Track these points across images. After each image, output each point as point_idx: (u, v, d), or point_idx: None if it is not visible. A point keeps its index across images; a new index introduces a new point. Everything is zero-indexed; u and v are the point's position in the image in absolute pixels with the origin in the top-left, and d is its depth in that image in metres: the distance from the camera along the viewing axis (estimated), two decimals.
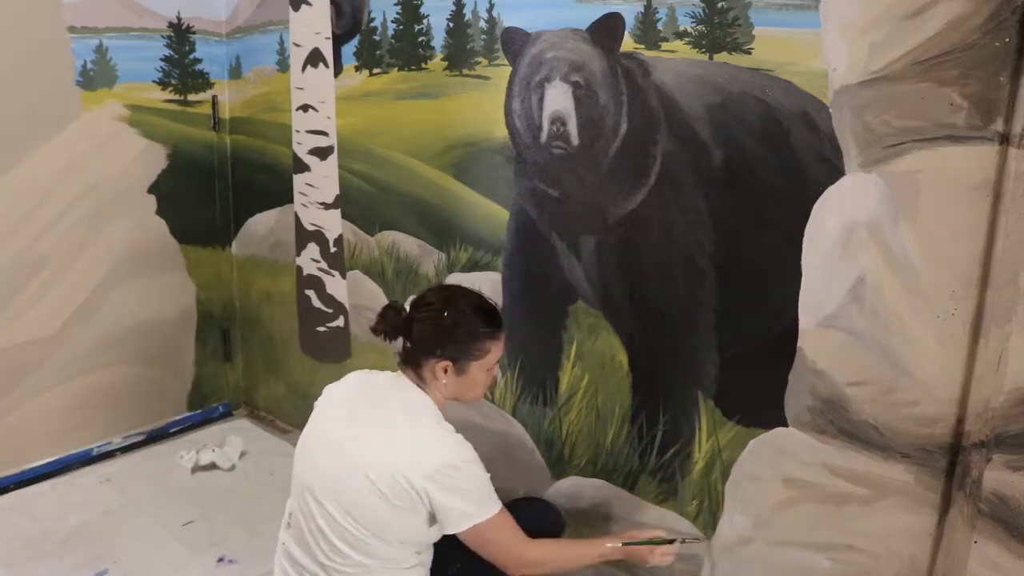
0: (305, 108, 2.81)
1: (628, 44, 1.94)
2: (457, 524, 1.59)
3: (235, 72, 3.10)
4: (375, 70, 2.58)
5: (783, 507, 1.84)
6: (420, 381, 1.69)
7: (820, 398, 1.73)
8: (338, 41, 2.66)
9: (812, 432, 1.77)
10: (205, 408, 3.33)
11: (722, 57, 1.80)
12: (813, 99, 1.66)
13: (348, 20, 2.62)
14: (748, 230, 1.83)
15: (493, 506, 1.61)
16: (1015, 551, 1.47)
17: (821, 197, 1.67)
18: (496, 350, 1.72)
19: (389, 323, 1.68)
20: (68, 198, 2.76)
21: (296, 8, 2.75)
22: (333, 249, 2.86)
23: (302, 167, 2.89)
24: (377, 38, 2.55)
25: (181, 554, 2.43)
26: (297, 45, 2.79)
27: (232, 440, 3.02)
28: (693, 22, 1.83)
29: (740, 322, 1.90)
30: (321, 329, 2.99)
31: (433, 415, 1.67)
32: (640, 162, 1.97)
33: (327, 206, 2.83)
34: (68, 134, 2.73)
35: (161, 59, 2.95)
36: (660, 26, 1.88)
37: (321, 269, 2.92)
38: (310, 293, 2.99)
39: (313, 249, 2.93)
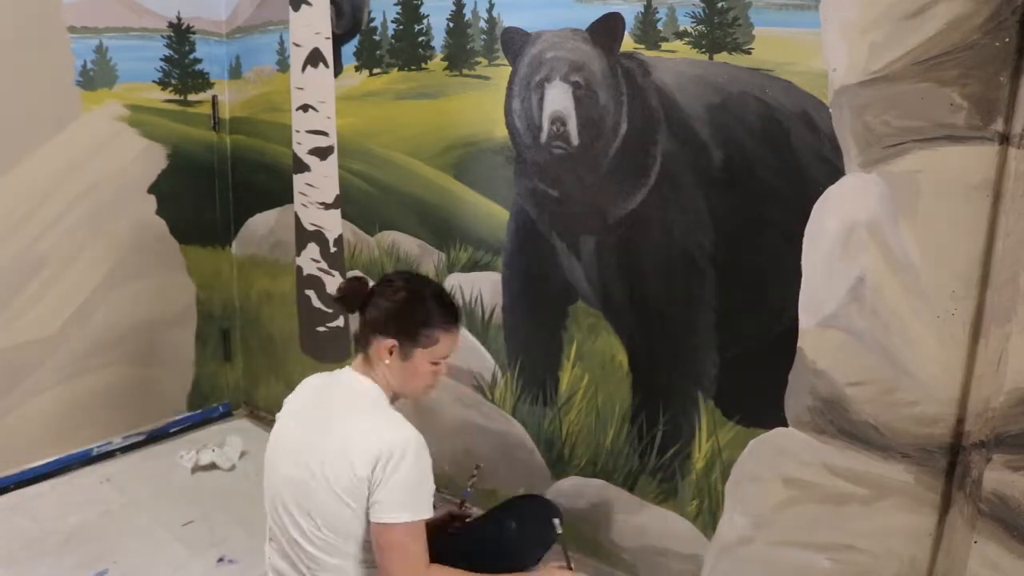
0: (305, 108, 2.81)
1: (628, 44, 1.94)
2: (377, 511, 1.52)
3: (235, 72, 3.11)
4: (375, 70, 2.58)
5: (783, 507, 1.84)
6: (368, 367, 1.66)
7: (820, 398, 1.73)
8: (338, 41, 2.66)
9: (812, 432, 1.77)
10: (205, 408, 3.33)
11: (722, 57, 1.80)
12: (813, 99, 1.66)
13: (348, 20, 2.62)
14: (748, 230, 1.83)
15: (417, 511, 1.54)
16: (1015, 551, 1.47)
17: (821, 197, 1.67)
18: (445, 343, 1.67)
19: (352, 292, 1.68)
20: (68, 198, 2.76)
21: (296, 8, 2.75)
22: (333, 249, 2.86)
23: (302, 167, 2.89)
24: (377, 38, 2.55)
25: (181, 554, 2.43)
26: (297, 45, 2.78)
27: (232, 440, 3.02)
28: (693, 22, 1.83)
29: (740, 322, 1.90)
30: (321, 329, 2.99)
31: (374, 400, 1.63)
32: (640, 162, 1.97)
33: (327, 206, 2.83)
34: (68, 134, 2.73)
35: (161, 59, 2.95)
36: (660, 26, 1.88)
37: (321, 269, 2.92)
38: (310, 293, 2.99)
39: (313, 249, 2.93)
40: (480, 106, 2.29)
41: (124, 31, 2.83)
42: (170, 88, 2.99)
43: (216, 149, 3.16)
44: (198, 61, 3.05)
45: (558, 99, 2.06)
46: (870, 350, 1.63)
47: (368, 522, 1.57)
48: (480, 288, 2.39)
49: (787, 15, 1.69)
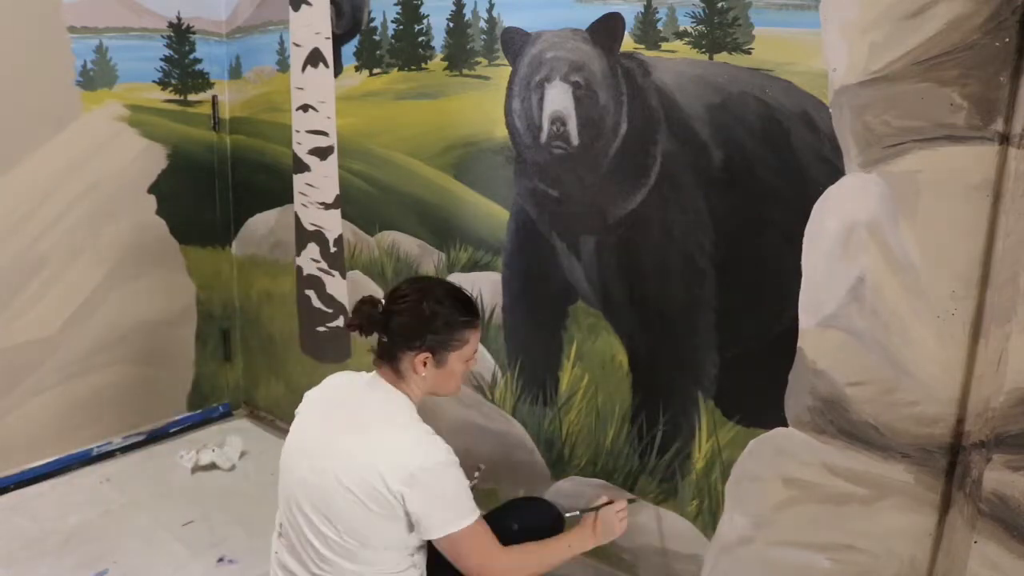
0: (305, 108, 2.81)
1: (628, 44, 1.94)
2: (431, 531, 1.57)
3: (235, 72, 3.11)
4: (375, 70, 2.58)
5: (783, 507, 1.84)
6: (396, 377, 1.66)
7: (820, 398, 1.73)
8: (338, 41, 2.66)
9: (812, 432, 1.77)
10: (205, 408, 3.33)
11: (722, 57, 1.80)
12: (813, 99, 1.66)
13: (348, 20, 2.62)
14: (748, 230, 1.83)
15: (470, 514, 1.58)
16: (1015, 551, 1.47)
17: (821, 197, 1.67)
18: (474, 340, 1.69)
19: (365, 317, 1.65)
20: (68, 198, 2.77)
21: (296, 8, 2.75)
22: (333, 249, 2.86)
23: (302, 167, 2.89)
24: (377, 38, 2.55)
25: (181, 554, 2.43)
26: (297, 45, 2.79)
27: (232, 440, 3.02)
28: (693, 22, 1.83)
29: (740, 322, 1.90)
30: (321, 329, 2.99)
31: (409, 415, 1.64)
32: (640, 162, 1.97)
33: (327, 206, 2.83)
34: (68, 134, 2.73)
35: (161, 59, 2.95)
36: (660, 26, 1.88)
37: (321, 269, 2.92)
38: (310, 293, 2.99)
39: (313, 249, 2.93)
40: (480, 106, 2.29)
41: (124, 31, 2.83)
42: (170, 88, 2.99)
43: (216, 149, 3.16)
44: (198, 61, 3.05)
45: (558, 99, 2.06)
46: (870, 350, 1.63)
47: (387, 528, 1.58)
48: (480, 288, 2.39)
49: (787, 15, 1.69)
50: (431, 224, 2.53)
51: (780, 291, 1.77)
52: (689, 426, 2.01)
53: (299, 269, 3.02)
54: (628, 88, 1.96)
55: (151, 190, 2.99)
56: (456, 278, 2.45)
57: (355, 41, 2.62)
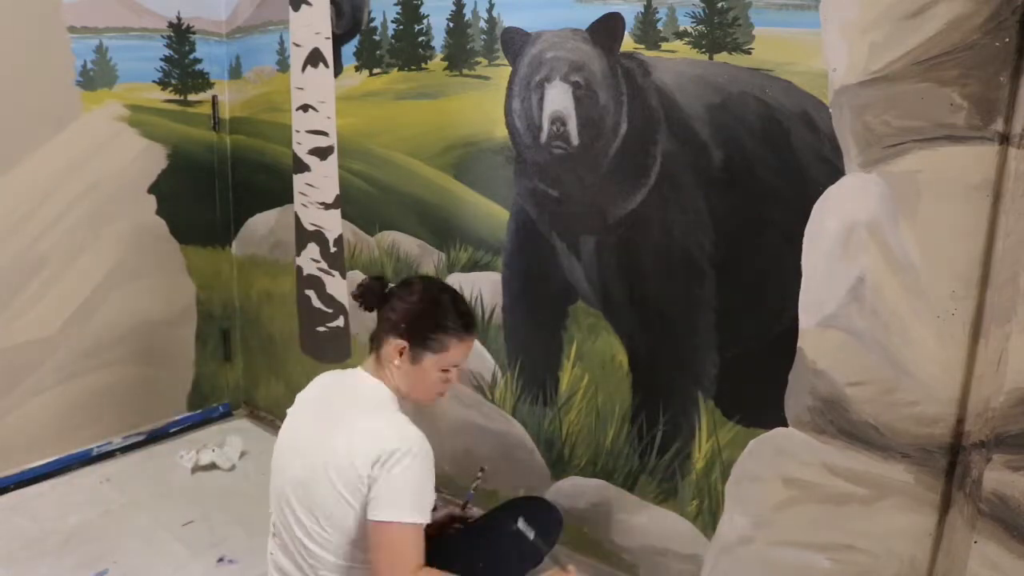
0: (305, 108, 2.81)
1: (628, 44, 1.94)
2: (375, 509, 1.51)
3: (235, 72, 3.10)
4: (375, 70, 2.58)
5: (783, 507, 1.84)
6: (378, 365, 1.68)
7: (820, 398, 1.73)
8: (338, 41, 2.66)
9: (812, 432, 1.77)
10: (205, 408, 3.33)
11: (722, 57, 1.80)
12: (813, 99, 1.66)
13: (348, 20, 2.62)
14: (748, 230, 1.83)
15: (416, 515, 1.52)
16: (1015, 551, 1.47)
17: (821, 197, 1.67)
18: (457, 351, 1.67)
19: (370, 291, 1.70)
20: (68, 198, 2.76)
21: (296, 8, 2.75)
22: (333, 249, 2.86)
23: (302, 167, 2.89)
24: (377, 38, 2.55)
25: (181, 554, 2.43)
26: (297, 45, 2.78)
27: (232, 440, 3.02)
28: (693, 22, 1.83)
29: (740, 322, 1.90)
30: (321, 329, 2.99)
31: (389, 405, 1.64)
32: (640, 162, 1.97)
33: (327, 206, 2.83)
34: (68, 134, 2.73)
35: (161, 59, 2.95)
36: (660, 26, 1.88)
37: (321, 269, 2.92)
38: (310, 293, 2.99)
39: (313, 249, 2.93)
40: (480, 106, 2.29)
41: (124, 31, 2.83)
42: (170, 88, 2.99)
43: (216, 149, 3.16)
44: (198, 61, 3.05)
45: (558, 99, 2.06)
46: (870, 350, 1.63)
47: (362, 521, 1.57)
48: (480, 288, 2.39)
49: (787, 15, 1.69)
50: (431, 224, 2.53)
51: (780, 291, 1.77)
52: (689, 426, 2.01)
53: (299, 269, 3.02)
54: (628, 88, 1.96)
55: (151, 190, 2.99)
56: (456, 278, 2.45)
57: (355, 41, 2.62)
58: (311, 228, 2.92)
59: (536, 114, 2.12)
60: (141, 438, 3.11)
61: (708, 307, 1.93)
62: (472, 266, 2.42)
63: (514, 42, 2.15)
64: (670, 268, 1.97)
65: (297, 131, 2.87)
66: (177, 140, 3.03)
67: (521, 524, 1.72)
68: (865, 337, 1.64)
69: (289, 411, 1.79)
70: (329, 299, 2.92)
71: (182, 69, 3.01)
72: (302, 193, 2.92)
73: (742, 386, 1.92)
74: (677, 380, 2.02)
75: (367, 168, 2.68)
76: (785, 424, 1.81)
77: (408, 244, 2.60)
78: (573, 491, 2.27)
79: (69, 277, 2.81)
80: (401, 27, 2.48)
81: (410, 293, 1.68)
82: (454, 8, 2.31)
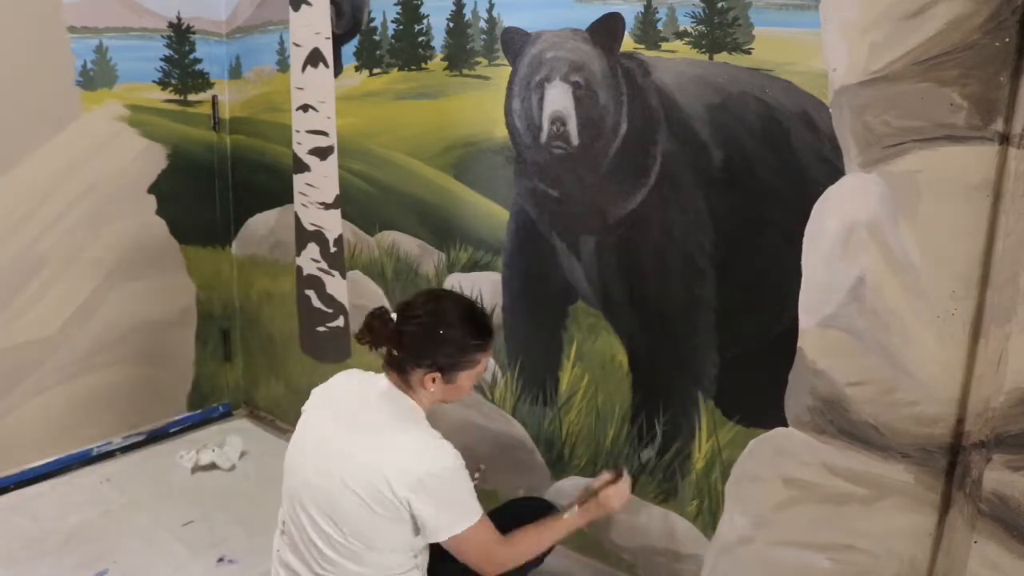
0: (305, 108, 2.81)
1: (628, 44, 1.94)
2: (438, 534, 1.59)
3: (235, 72, 3.10)
4: (375, 70, 2.58)
5: (783, 507, 1.84)
6: (405, 386, 1.66)
7: (820, 398, 1.73)
8: (338, 41, 2.66)
9: (812, 432, 1.77)
10: (205, 408, 3.33)
11: (722, 57, 1.80)
12: (813, 99, 1.66)
13: (348, 20, 2.62)
14: (748, 230, 1.83)
15: (474, 515, 1.60)
16: (1015, 551, 1.47)
17: (821, 197, 1.67)
18: (485, 359, 1.70)
19: (376, 334, 1.63)
20: (68, 198, 2.76)
21: (296, 8, 2.75)
22: (333, 249, 2.86)
23: (302, 167, 2.89)
24: (377, 38, 2.55)
25: (181, 554, 2.43)
26: (297, 45, 2.78)
27: (232, 440, 3.02)
28: (693, 22, 1.83)
29: (740, 322, 1.90)
30: (321, 329, 2.99)
31: (417, 420, 1.65)
32: (640, 162, 1.97)
33: (327, 206, 2.83)
34: (68, 134, 2.73)
35: (161, 59, 2.95)
36: (660, 26, 1.88)
37: (321, 269, 2.92)
38: (310, 293, 2.99)
39: (313, 249, 2.93)
40: (480, 106, 2.29)
41: (124, 31, 2.83)
42: (170, 88, 2.99)
43: (216, 149, 3.16)
44: (198, 61, 3.05)
45: (558, 99, 2.06)
46: (870, 350, 1.63)
47: (393, 531, 1.59)
48: (480, 288, 2.39)
49: (787, 15, 1.69)
50: (431, 224, 2.53)
51: (780, 291, 1.77)
52: (689, 426, 2.01)
53: (299, 269, 3.02)
54: (628, 88, 1.96)
55: (151, 190, 2.99)
56: (456, 278, 2.45)
57: (355, 41, 2.62)
58: (311, 228, 2.92)
59: (536, 114, 2.12)
60: (141, 438, 3.11)
61: (708, 307, 1.93)
62: (472, 266, 2.42)
63: (514, 42, 2.15)
64: (670, 268, 1.97)
65: (297, 131, 2.87)
66: (177, 140, 3.03)
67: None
68: (865, 337, 1.64)
69: (305, 408, 1.77)
70: (329, 299, 2.92)
71: (182, 69, 3.01)
72: (302, 193, 2.92)
73: (742, 386, 1.92)
74: (677, 380, 2.02)
75: (367, 168, 2.68)
76: (785, 424, 1.81)
77: (408, 244, 2.60)
78: (573, 491, 2.27)
79: (69, 277, 2.81)
80: (401, 27, 2.48)
81: (422, 325, 1.62)
82: (454, 8, 2.31)
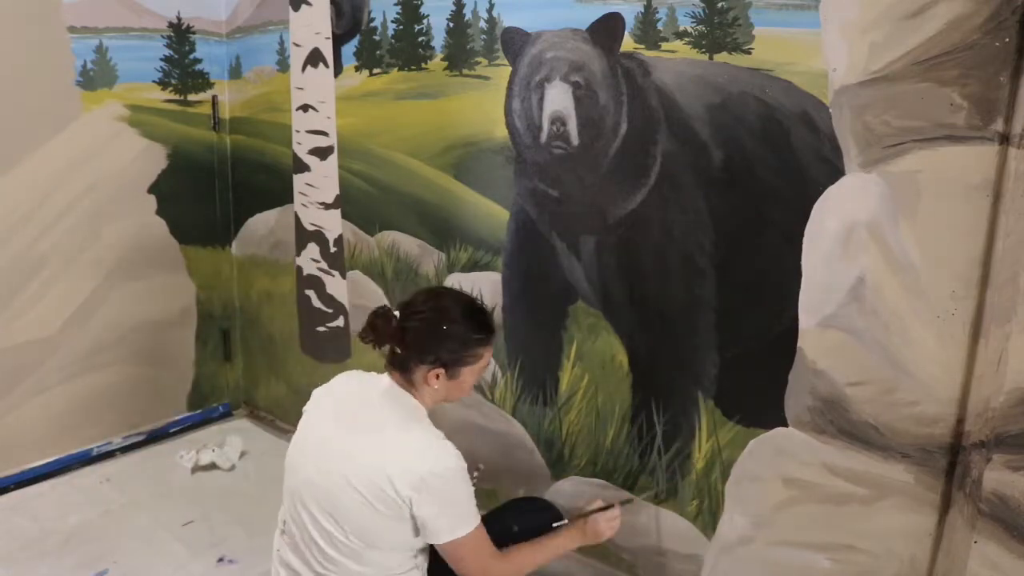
0: (305, 108, 2.81)
1: (628, 44, 1.94)
2: (437, 536, 1.59)
3: (235, 72, 3.11)
4: (375, 70, 2.58)
5: (783, 507, 1.84)
6: (408, 384, 1.67)
7: (820, 398, 1.73)
8: (338, 41, 2.66)
9: (812, 432, 1.77)
10: (205, 408, 3.33)
11: (722, 57, 1.80)
12: (813, 99, 1.66)
13: (348, 20, 2.62)
14: (748, 230, 1.83)
15: (472, 522, 1.60)
16: (1015, 551, 1.47)
17: (821, 197, 1.67)
18: (488, 354, 1.71)
19: (379, 332, 1.63)
20: (68, 198, 2.76)
21: (296, 8, 2.75)
22: (333, 249, 2.86)
23: (302, 167, 2.89)
24: (377, 38, 2.55)
25: (181, 554, 2.43)
26: (297, 45, 2.78)
27: (232, 440, 3.02)
28: (693, 22, 1.83)
29: (740, 322, 1.90)
30: (321, 329, 2.99)
31: (421, 420, 1.65)
32: (640, 162, 1.97)
33: (327, 206, 2.83)
34: (68, 134, 2.73)
35: (161, 59, 2.95)
36: (660, 26, 1.88)
37: (321, 269, 2.92)
38: (310, 293, 2.99)
39: (313, 249, 2.93)
40: (480, 106, 2.29)
41: (124, 31, 2.83)
42: (170, 88, 2.99)
43: (216, 149, 3.16)
44: (198, 61, 3.05)
45: (558, 99, 2.06)
46: (870, 350, 1.63)
47: (395, 530, 1.59)
48: (480, 288, 2.39)
49: (787, 15, 1.69)
50: (431, 224, 2.53)
51: (780, 291, 1.77)
52: (689, 426, 2.01)
53: (299, 269, 3.02)
54: (628, 88, 1.96)
55: (151, 190, 2.99)
56: (456, 278, 2.45)
57: (355, 41, 2.62)
58: (311, 228, 2.92)
59: (536, 114, 2.12)
60: (141, 438, 3.11)
61: (708, 307, 1.93)
62: (472, 266, 2.42)
63: (514, 42, 2.15)
64: (670, 268, 1.97)
65: (297, 131, 2.87)
66: (177, 140, 3.03)
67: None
68: (865, 337, 1.64)
69: (306, 408, 1.77)
70: (329, 299, 2.92)
71: (182, 69, 3.01)
72: (302, 193, 2.92)
73: (742, 386, 1.92)
74: (677, 380, 2.02)
75: (367, 168, 2.68)
76: (785, 424, 1.81)
77: (408, 244, 2.60)
78: (573, 491, 2.27)
79: (69, 277, 2.81)
80: (401, 27, 2.48)
81: (424, 321, 1.63)
82: (454, 8, 2.31)
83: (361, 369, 1.83)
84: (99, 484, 2.82)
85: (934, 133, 1.49)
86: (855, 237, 1.62)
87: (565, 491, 2.28)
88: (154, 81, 2.94)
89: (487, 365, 1.75)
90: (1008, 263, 1.41)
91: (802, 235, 1.71)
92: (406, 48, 2.47)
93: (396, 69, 2.52)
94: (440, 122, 2.41)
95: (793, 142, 1.72)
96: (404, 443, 1.59)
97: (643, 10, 1.90)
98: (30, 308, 2.73)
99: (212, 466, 2.93)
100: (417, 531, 1.60)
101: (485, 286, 2.39)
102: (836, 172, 1.64)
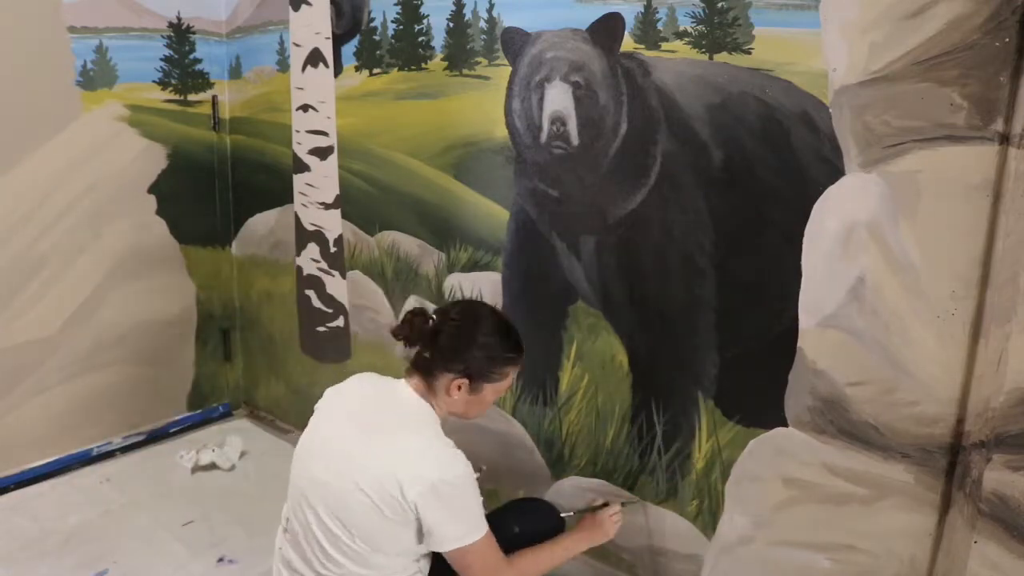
0: (305, 108, 2.81)
1: (628, 44, 1.94)
2: (443, 543, 1.59)
3: (235, 72, 3.11)
4: (375, 70, 2.58)
5: (783, 507, 1.84)
6: (427, 390, 1.67)
7: (820, 398, 1.73)
8: (338, 41, 2.66)
9: (812, 432, 1.77)
10: (205, 408, 3.33)
11: (722, 57, 1.80)
12: (813, 99, 1.66)
13: (348, 20, 2.62)
14: (748, 230, 1.83)
15: (480, 530, 1.60)
16: (1015, 551, 1.47)
17: (821, 197, 1.67)
18: (513, 375, 1.72)
19: (416, 329, 1.65)
20: (68, 198, 2.76)
21: (296, 8, 2.75)
22: (333, 249, 2.86)
23: (302, 167, 2.89)
24: (377, 38, 2.55)
25: (181, 554, 2.43)
26: (297, 45, 2.79)
27: (232, 440, 3.02)
28: (693, 22, 1.83)
29: (740, 322, 1.90)
30: (321, 329, 2.99)
31: (434, 427, 1.65)
32: (640, 162, 1.97)
33: (327, 206, 2.83)
34: (68, 134, 2.73)
35: (161, 59, 2.95)
36: (660, 26, 1.88)
37: (321, 269, 2.92)
38: (310, 293, 2.99)
39: (313, 249, 2.93)
40: (480, 106, 2.29)
41: (124, 31, 2.83)
42: (170, 88, 2.99)
43: (216, 149, 3.16)
44: (198, 61, 3.05)
45: (558, 99, 2.06)
46: (870, 350, 1.63)
47: (400, 534, 1.59)
48: (480, 288, 2.39)
49: (787, 15, 1.69)
50: (431, 224, 2.53)
51: (780, 291, 1.77)
52: (689, 426, 2.01)
53: (299, 269, 3.02)
54: (628, 88, 1.96)
55: (151, 190, 2.99)
56: (456, 278, 2.45)
57: (355, 41, 2.62)
58: (311, 228, 2.92)
59: (536, 114, 2.12)
60: (141, 438, 3.11)
61: (708, 307, 1.93)
62: (472, 266, 2.42)
63: (514, 42, 2.15)
64: (670, 268, 1.97)
65: (297, 131, 2.87)
66: (177, 140, 3.03)
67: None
68: (865, 337, 1.64)
69: (318, 406, 1.77)
70: (329, 299, 2.92)
71: (182, 69, 3.01)
72: (302, 193, 2.92)
73: (742, 386, 1.92)
74: (677, 380, 2.02)
75: (367, 168, 2.68)
76: (785, 424, 1.81)
77: (408, 244, 2.60)
78: (573, 491, 2.27)
79: (69, 277, 2.81)
80: (401, 27, 2.48)
81: (461, 328, 1.64)
82: (454, 8, 2.31)
83: (361, 370, 1.83)
84: (99, 484, 2.82)
85: (934, 133, 1.49)
86: (855, 237, 1.62)
87: (565, 491, 2.28)
88: (154, 81, 2.94)
89: (509, 387, 1.75)
90: (1008, 263, 1.41)
91: (802, 235, 1.71)
92: (406, 48, 2.47)
93: (396, 69, 2.52)
94: (440, 122, 2.41)
95: (793, 142, 1.72)
96: (417, 449, 1.59)
97: (643, 10, 1.90)
98: (30, 308, 2.73)
99: (212, 466, 2.93)
100: (420, 538, 1.60)
101: (485, 286, 2.39)
102: (836, 172, 1.64)
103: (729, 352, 1.93)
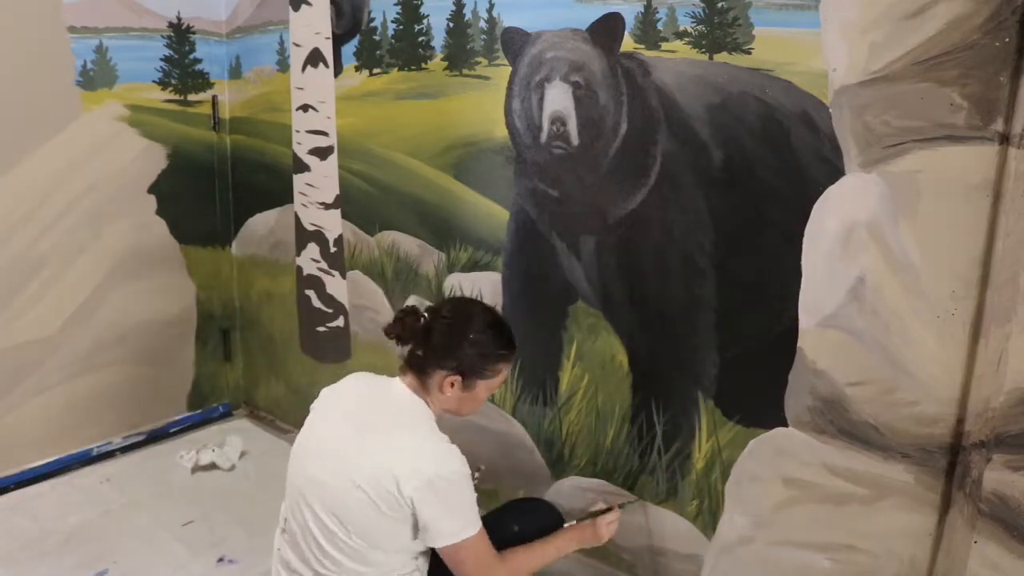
0: (305, 108, 2.81)
1: (628, 44, 1.94)
2: (438, 539, 1.59)
3: (235, 72, 3.11)
4: (375, 70, 2.58)
5: (783, 507, 1.84)
6: (421, 388, 1.67)
7: (820, 398, 1.73)
8: (338, 41, 2.66)
9: (812, 432, 1.77)
10: (205, 408, 3.33)
11: (722, 57, 1.80)
12: (813, 99, 1.66)
13: (348, 20, 2.62)
14: (748, 230, 1.83)
15: (474, 526, 1.61)
16: (1015, 551, 1.47)
17: (821, 197, 1.67)
18: (506, 371, 1.72)
19: (408, 328, 1.66)
20: (68, 198, 2.76)
21: (296, 8, 2.75)
22: (333, 249, 2.86)
23: (302, 167, 2.89)
24: (377, 38, 2.55)
25: (181, 554, 2.43)
26: (297, 45, 2.79)
27: (232, 440, 3.02)
28: (693, 22, 1.83)
29: (740, 322, 1.90)
30: (321, 329, 2.99)
31: (429, 423, 1.65)
32: (640, 162, 1.97)
33: (327, 206, 2.83)
34: (68, 134, 2.73)
35: (161, 59, 2.95)
36: (660, 26, 1.88)
37: (321, 269, 2.92)
38: (310, 293, 2.99)
39: (313, 249, 2.93)
40: (480, 106, 2.29)
41: (124, 31, 2.83)
42: (170, 88, 2.99)
43: (216, 149, 3.16)
44: (198, 61, 3.05)
45: (558, 99, 2.06)
46: (870, 350, 1.63)
47: (397, 531, 1.59)
48: (480, 288, 2.39)
49: (787, 15, 1.69)
50: (431, 224, 2.53)
51: (780, 291, 1.77)
52: (689, 426, 2.01)
53: (299, 269, 3.02)
54: (628, 88, 1.96)
55: (151, 190, 2.99)
56: (456, 278, 2.45)
57: (355, 41, 2.62)
58: (311, 228, 2.92)
59: (536, 114, 2.12)
60: (141, 438, 3.11)
61: (708, 307, 1.93)
62: (472, 266, 2.42)
63: (514, 42, 2.15)
64: (670, 268, 1.97)
65: (297, 131, 2.87)
66: (177, 140, 3.03)
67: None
68: (865, 337, 1.64)
69: (314, 406, 1.77)
70: (329, 299, 2.92)
71: (182, 69, 3.01)
72: (302, 193, 2.92)
73: (742, 386, 1.92)
74: (677, 380, 2.02)
75: (367, 168, 2.68)
76: (785, 424, 1.81)
77: (408, 244, 2.60)
78: (573, 491, 2.27)
79: (69, 277, 2.81)
80: (401, 27, 2.48)
81: (453, 325, 1.65)
82: (454, 8, 2.31)
83: (361, 370, 1.83)
84: (99, 484, 2.82)
85: (934, 133, 1.49)
86: (855, 237, 1.62)
87: (565, 491, 2.28)
88: (154, 81, 2.94)
89: (502, 384, 1.75)
90: (1008, 263, 1.41)
91: (802, 235, 1.71)
92: (406, 48, 2.47)
93: (396, 69, 2.52)
94: (440, 122, 2.41)
95: (793, 142, 1.72)
96: (412, 445, 1.59)
97: (643, 10, 1.90)
98: (30, 308, 2.73)
99: (212, 466, 2.93)
100: (416, 534, 1.60)
101: (485, 286, 2.39)
102: (836, 172, 1.64)
103: (729, 352, 1.93)
